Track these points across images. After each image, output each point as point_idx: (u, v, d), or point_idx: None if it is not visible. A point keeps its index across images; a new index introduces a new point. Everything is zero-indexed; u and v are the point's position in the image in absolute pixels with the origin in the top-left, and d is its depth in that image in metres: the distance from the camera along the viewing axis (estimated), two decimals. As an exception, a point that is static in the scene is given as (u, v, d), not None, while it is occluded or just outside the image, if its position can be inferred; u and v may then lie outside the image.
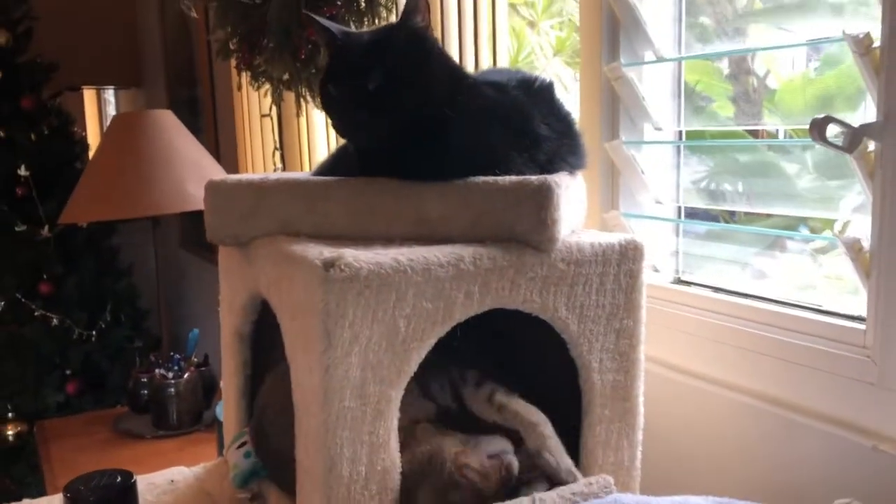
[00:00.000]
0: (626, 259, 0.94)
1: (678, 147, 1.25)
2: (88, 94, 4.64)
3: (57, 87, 3.35)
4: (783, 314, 1.01)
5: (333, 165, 1.03)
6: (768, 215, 1.26)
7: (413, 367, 0.82)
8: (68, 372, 3.12)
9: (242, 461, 0.96)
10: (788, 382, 0.99)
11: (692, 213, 1.29)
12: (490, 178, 0.88)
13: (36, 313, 3.02)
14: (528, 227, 0.87)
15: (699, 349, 1.10)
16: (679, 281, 1.24)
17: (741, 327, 1.05)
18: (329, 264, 0.77)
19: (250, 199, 0.93)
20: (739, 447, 1.04)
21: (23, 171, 3.04)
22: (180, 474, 1.05)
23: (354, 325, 0.78)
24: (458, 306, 0.84)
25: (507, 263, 0.86)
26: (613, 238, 0.95)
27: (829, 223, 1.16)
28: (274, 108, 2.00)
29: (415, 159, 0.89)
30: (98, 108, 4.81)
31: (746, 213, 1.28)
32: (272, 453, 0.95)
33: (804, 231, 1.22)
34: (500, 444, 0.88)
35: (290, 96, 1.80)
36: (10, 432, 2.96)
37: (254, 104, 2.34)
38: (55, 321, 3.06)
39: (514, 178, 0.88)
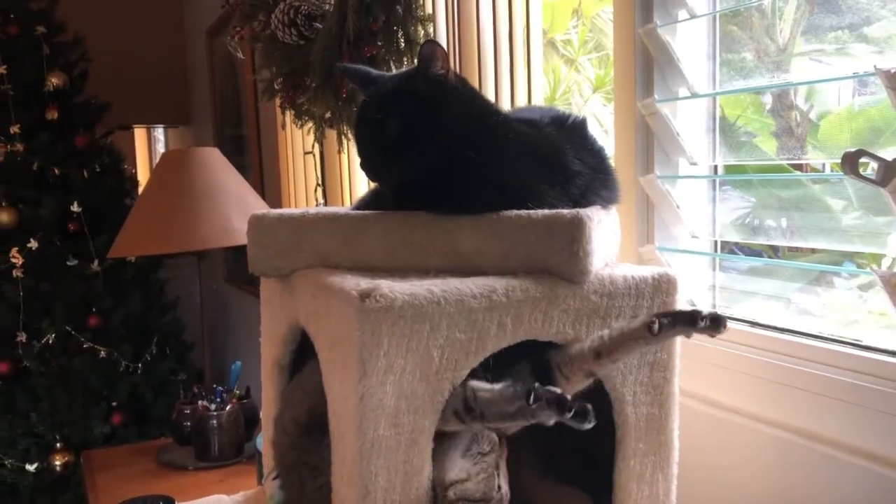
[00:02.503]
0: (660, 292, 0.94)
1: (714, 181, 1.26)
2: (139, 133, 4.79)
3: (109, 126, 3.47)
4: (822, 349, 1.00)
5: (372, 200, 1.06)
6: (813, 251, 1.25)
7: (446, 396, 0.84)
8: (114, 403, 3.17)
9: (278, 492, 0.98)
10: (827, 418, 0.98)
11: (735, 249, 1.29)
12: (523, 212, 0.90)
13: (84, 346, 3.09)
14: (561, 259, 0.88)
15: (736, 384, 1.10)
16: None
17: (779, 362, 1.05)
18: (365, 295, 0.79)
19: (291, 233, 0.96)
20: (777, 483, 1.03)
21: (75, 208, 3.14)
22: (220, 502, 1.07)
23: (389, 355, 0.80)
24: (490, 337, 0.85)
25: (540, 295, 0.87)
26: (647, 271, 0.95)
27: (878, 258, 1.14)
28: (316, 146, 2.05)
29: (448, 194, 0.91)
30: (148, 146, 4.96)
31: (790, 249, 1.28)
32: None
33: (850, 267, 1.21)
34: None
35: (331, 134, 1.85)
36: (57, 462, 3.02)
37: (297, 142, 2.40)
38: (103, 354, 3.13)
39: (546, 211, 0.90)
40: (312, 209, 0.99)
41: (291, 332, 1.01)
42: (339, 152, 1.91)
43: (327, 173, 2.11)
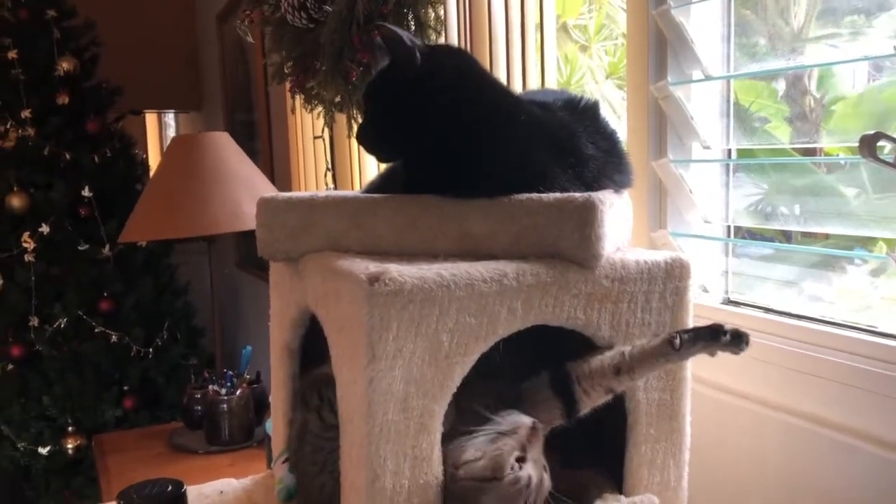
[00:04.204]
0: (673, 276, 0.93)
1: (727, 166, 1.24)
2: (150, 118, 4.79)
3: (120, 111, 3.47)
4: (836, 335, 0.99)
5: (382, 184, 1.05)
6: (827, 236, 1.24)
7: (456, 381, 0.83)
8: (126, 388, 3.19)
9: (288, 476, 0.98)
10: (841, 404, 0.97)
11: (747, 235, 1.28)
12: (534, 195, 0.89)
13: (96, 330, 3.11)
14: (572, 243, 0.87)
15: (749, 370, 1.09)
16: (729, 301, 1.22)
17: (793, 348, 1.03)
18: (374, 279, 0.78)
19: (300, 216, 0.96)
20: (790, 470, 1.02)
21: (86, 192, 3.14)
22: (229, 486, 1.07)
23: (398, 339, 0.79)
24: (501, 322, 0.84)
25: (551, 280, 0.86)
26: (659, 255, 0.94)
27: (893, 244, 1.13)
28: (326, 130, 2.04)
29: (458, 177, 0.90)
30: (159, 132, 4.96)
31: (804, 234, 1.26)
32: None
33: (861, 252, 1.20)
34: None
35: (341, 118, 1.84)
36: (70, 445, 3.05)
37: (307, 127, 2.39)
38: (114, 338, 3.14)
39: (557, 194, 0.89)
40: (322, 192, 0.98)
41: (301, 316, 1.00)
42: (349, 137, 1.90)
43: (337, 158, 2.10)
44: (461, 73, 0.92)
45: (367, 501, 0.80)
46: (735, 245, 1.24)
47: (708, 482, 1.08)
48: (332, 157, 2.10)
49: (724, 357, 1.11)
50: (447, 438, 0.85)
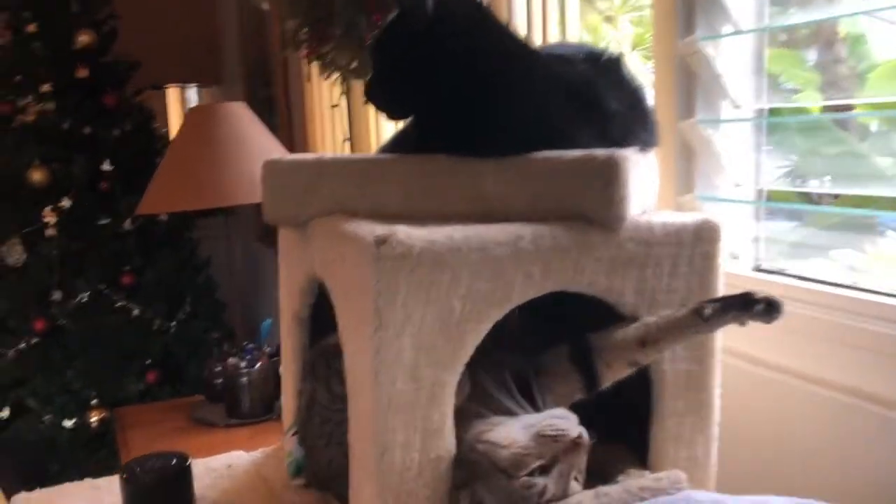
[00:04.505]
0: (702, 240, 0.88)
1: (758, 126, 1.18)
2: (172, 93, 4.76)
3: (139, 85, 3.44)
4: (872, 303, 0.93)
5: (393, 146, 1.01)
6: (860, 202, 1.17)
7: (469, 350, 0.78)
8: (148, 362, 3.19)
9: (297, 449, 0.94)
10: (879, 376, 0.91)
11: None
12: (553, 153, 0.84)
13: (118, 304, 3.10)
14: (594, 204, 0.82)
15: (782, 341, 1.03)
16: (759, 269, 1.16)
17: (829, 317, 0.97)
18: (381, 241, 0.74)
19: (307, 178, 0.91)
20: (826, 444, 0.96)
21: (106, 167, 3.12)
22: (238, 459, 1.04)
23: (407, 305, 0.75)
24: (516, 288, 0.80)
25: (571, 243, 0.81)
26: (687, 218, 0.89)
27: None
28: (343, 99, 1.99)
29: (471, 133, 0.85)
30: (181, 106, 4.94)
31: (836, 197, 1.20)
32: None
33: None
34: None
35: (358, 86, 1.79)
36: (93, 418, 3.06)
37: (325, 97, 2.34)
38: (136, 312, 3.14)
39: (578, 152, 0.83)
40: (329, 154, 0.93)
41: (309, 283, 0.96)
42: (366, 104, 1.85)
43: (355, 126, 2.05)
44: (475, 21, 0.86)
45: (376, 476, 0.76)
46: (766, 209, 1.18)
47: (738, 458, 1.02)
48: (349, 126, 2.05)
49: (754, 326, 1.05)
50: (460, 412, 0.81)
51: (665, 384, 0.88)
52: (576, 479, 0.79)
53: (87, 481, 0.97)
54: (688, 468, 0.89)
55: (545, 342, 0.89)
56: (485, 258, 0.77)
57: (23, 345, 3.06)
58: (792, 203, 1.25)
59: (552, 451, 0.77)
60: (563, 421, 0.79)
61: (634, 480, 0.82)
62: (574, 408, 0.85)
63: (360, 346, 0.77)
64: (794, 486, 0.97)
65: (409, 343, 0.75)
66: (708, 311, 0.80)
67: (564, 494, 0.78)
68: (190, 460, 0.92)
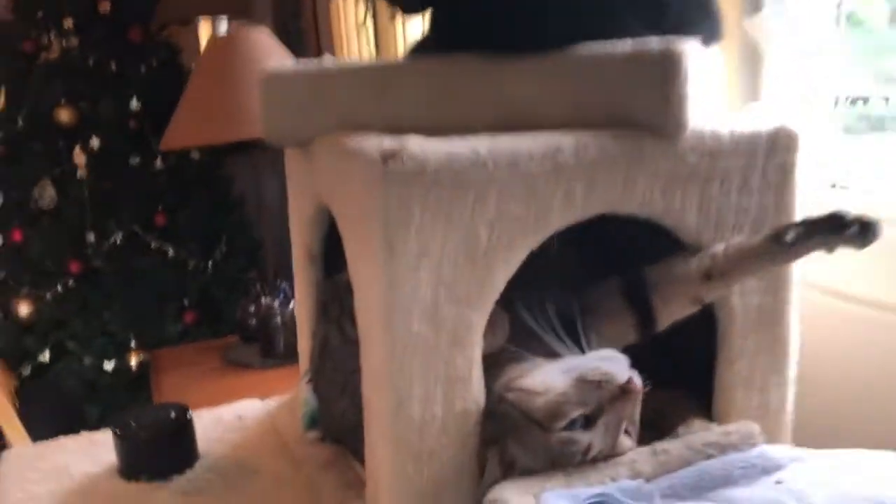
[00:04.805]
0: (777, 150, 0.73)
1: (837, 21, 1.01)
2: (204, 27, 4.63)
3: (166, 19, 3.31)
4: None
5: (411, 55, 0.87)
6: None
7: (499, 285, 0.66)
8: (186, 303, 3.15)
9: (312, 398, 0.84)
10: None
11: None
12: (597, 46, 0.69)
13: (152, 245, 3.05)
14: (648, 106, 0.68)
15: (870, 270, 0.88)
16: (838, 186, 1.01)
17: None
18: (388, 156, 0.61)
19: (309, 90, 0.78)
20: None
21: (134, 104, 3.04)
22: (251, 409, 0.94)
23: (422, 233, 0.62)
24: (555, 210, 0.66)
25: (620, 154, 0.67)
26: (760, 124, 0.74)
27: None
28: (369, 19, 1.85)
29: (500, 26, 0.71)
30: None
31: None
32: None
33: None
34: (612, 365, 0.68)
35: (382, 5, 1.65)
36: (133, 360, 3.04)
37: (351, 18, 2.20)
38: (171, 253, 3.08)
39: (628, 44, 0.69)
40: (334, 60, 0.80)
41: (318, 213, 0.84)
42: (392, 19, 1.71)
43: (381, 47, 1.91)
44: None
45: (392, 432, 0.65)
46: (845, 118, 1.02)
47: (817, 405, 0.89)
48: (376, 46, 1.91)
49: (838, 253, 0.90)
50: (493, 358, 0.69)
51: (733, 321, 0.75)
52: (626, 432, 0.67)
53: (85, 435, 0.88)
54: (759, 418, 0.77)
55: (591, 277, 0.76)
56: (516, 175, 0.64)
57: (60, 288, 3.04)
58: (874, 112, 1.09)
59: (597, 398, 0.65)
60: (611, 363, 0.66)
61: (698, 434, 0.70)
62: (625, 351, 0.73)
63: (370, 283, 0.65)
64: (882, 437, 0.83)
65: (427, 278, 0.63)
66: (790, 235, 0.66)
67: (613, 451, 0.66)
68: (191, 413, 0.82)
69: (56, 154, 3.04)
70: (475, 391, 0.67)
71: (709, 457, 0.67)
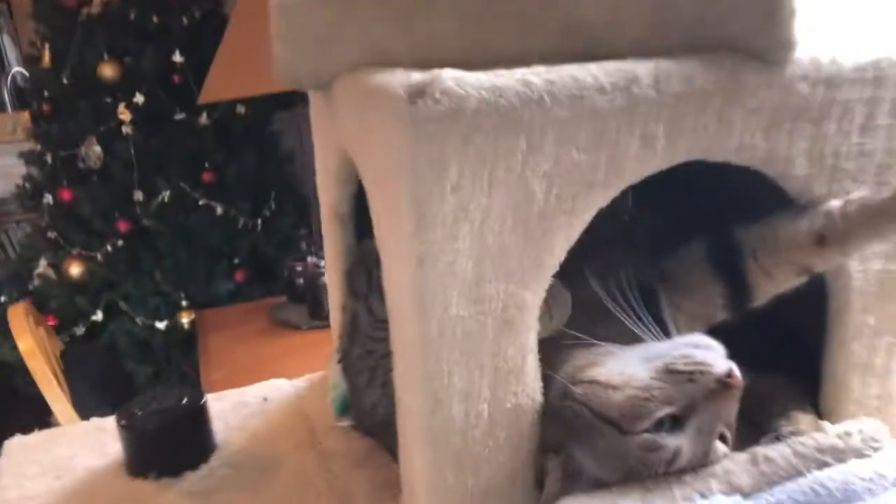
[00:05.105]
0: (914, 77, 0.58)
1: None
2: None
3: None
4: None
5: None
6: None
7: (559, 255, 0.53)
8: (236, 261, 3.09)
9: (343, 381, 0.72)
10: None
11: None
12: (683, -52, 0.55)
13: (200, 203, 2.99)
14: (747, 24, 0.53)
15: None
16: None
17: None
18: (417, 93, 0.48)
19: (329, 18, 0.65)
20: None
21: (177, 58, 2.95)
22: (278, 390, 0.84)
23: (461, 191, 0.49)
24: (630, 157, 0.53)
25: (712, 85, 0.53)
26: (890, 46, 0.58)
27: None
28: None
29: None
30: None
31: None
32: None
33: None
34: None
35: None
36: (185, 319, 3.01)
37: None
38: (220, 211, 3.02)
39: (723, -56, 0.54)
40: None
41: (343, 166, 0.71)
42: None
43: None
44: None
45: (428, 435, 0.53)
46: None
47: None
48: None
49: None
50: (551, 342, 0.56)
51: (849, 293, 0.61)
52: (721, 437, 0.54)
53: (94, 422, 0.79)
54: (880, 409, 0.63)
55: (673, 242, 0.62)
56: (580, 113, 0.50)
57: (109, 248, 3.01)
58: None
59: (688, 395, 0.52)
60: (705, 352, 0.53)
61: (809, 437, 0.56)
62: (713, 331, 0.59)
63: (398, 255, 0.53)
64: None
65: (468, 248, 0.50)
66: None
67: (704, 460, 0.53)
68: (205, 398, 0.72)
69: (101, 111, 2.99)
70: (530, 385, 0.54)
71: (823, 466, 0.54)
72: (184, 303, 3.03)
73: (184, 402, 0.70)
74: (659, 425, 0.52)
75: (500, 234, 0.51)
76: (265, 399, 0.81)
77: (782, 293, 0.60)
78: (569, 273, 0.56)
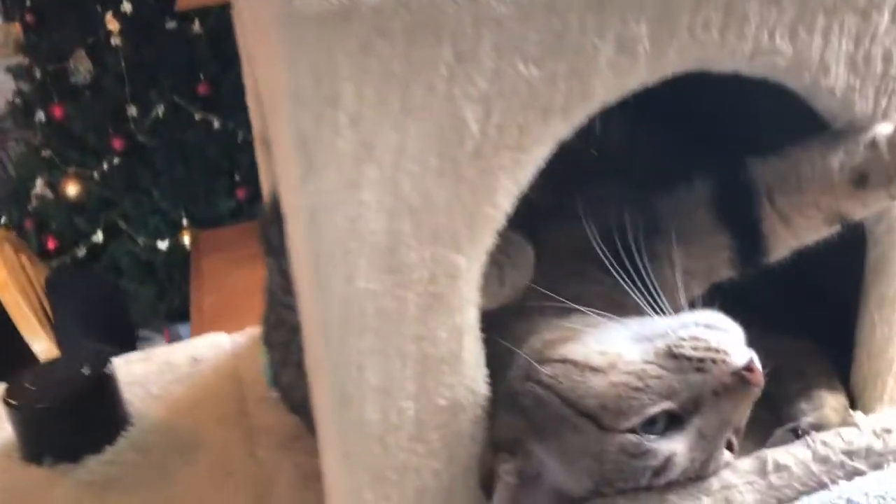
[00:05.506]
0: None
1: None
2: None
3: None
4: None
5: None
6: None
7: (503, 203, 0.39)
8: (237, 178, 2.98)
9: (266, 352, 0.60)
10: None
11: None
12: None
13: (197, 117, 2.85)
14: None
15: None
16: None
17: None
18: (294, -17, 0.34)
19: None
20: None
21: (163, -41, 2.76)
22: (214, 348, 0.72)
23: (363, 122, 0.35)
24: (601, 70, 0.38)
25: (718, -35, 0.38)
26: None
27: None
28: None
29: None
30: None
31: None
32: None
33: None
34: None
35: None
36: (186, 239, 2.93)
37: None
38: (217, 125, 2.89)
39: None
40: None
41: (255, 84, 0.57)
42: None
43: None
44: None
45: (338, 444, 0.41)
46: None
47: None
48: None
49: None
50: (515, 313, 0.44)
51: (887, 251, 0.47)
52: (729, 444, 0.41)
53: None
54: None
55: (664, 176, 0.49)
56: (529, 8, 0.36)
57: (106, 166, 2.91)
58: None
59: (693, 388, 0.40)
60: (720, 335, 0.40)
61: (835, 435, 0.43)
62: (718, 289, 0.47)
63: (290, 208, 0.40)
64: None
65: (376, 199, 0.37)
66: None
67: (703, 472, 0.41)
68: (112, 367, 0.60)
69: (88, 21, 2.84)
70: (469, 375, 0.41)
71: (854, 475, 0.41)
72: (184, 221, 2.94)
73: (85, 371, 0.59)
74: (650, 424, 0.39)
75: (422, 180, 0.37)
76: (196, 360, 0.69)
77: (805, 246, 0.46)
78: (530, 220, 0.43)
